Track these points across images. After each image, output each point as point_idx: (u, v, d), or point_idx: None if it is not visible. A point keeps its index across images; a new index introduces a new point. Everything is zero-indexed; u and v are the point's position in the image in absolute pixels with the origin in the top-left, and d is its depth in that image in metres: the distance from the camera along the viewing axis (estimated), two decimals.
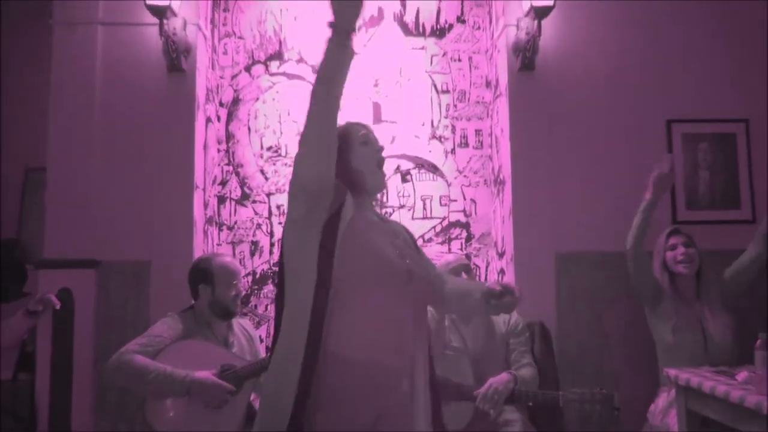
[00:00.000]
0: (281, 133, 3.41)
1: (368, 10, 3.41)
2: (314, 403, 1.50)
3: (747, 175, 3.15)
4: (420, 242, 3.31)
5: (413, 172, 3.42)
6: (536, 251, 3.01)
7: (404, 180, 3.42)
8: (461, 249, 3.39)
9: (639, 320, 2.75)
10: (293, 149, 3.31)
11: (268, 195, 3.38)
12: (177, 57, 2.99)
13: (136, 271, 2.96)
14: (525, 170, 3.06)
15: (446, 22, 3.51)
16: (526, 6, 3.02)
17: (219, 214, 3.36)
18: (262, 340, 2.92)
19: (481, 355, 2.55)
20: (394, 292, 1.61)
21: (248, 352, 2.54)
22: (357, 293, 1.56)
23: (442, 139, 3.45)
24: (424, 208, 3.41)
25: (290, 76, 3.44)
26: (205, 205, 3.24)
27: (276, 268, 3.03)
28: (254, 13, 3.47)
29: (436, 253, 3.26)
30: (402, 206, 3.40)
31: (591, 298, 3.01)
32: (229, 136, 3.42)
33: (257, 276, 3.33)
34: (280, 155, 3.40)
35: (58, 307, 2.64)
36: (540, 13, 2.97)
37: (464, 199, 3.42)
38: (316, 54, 3.39)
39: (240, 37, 3.46)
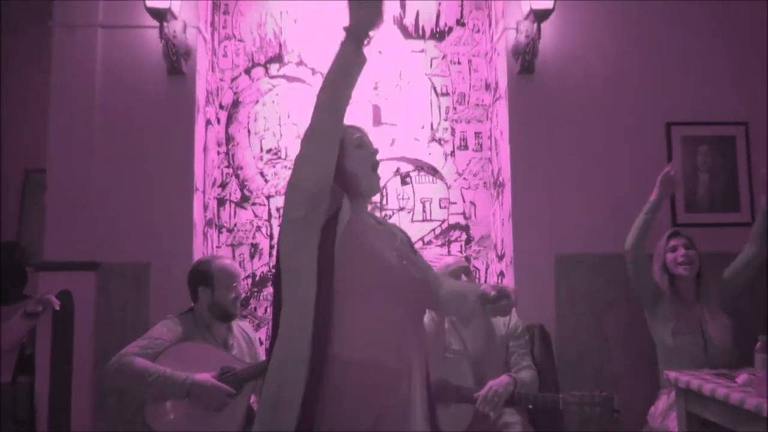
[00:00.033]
0: (281, 135, 3.42)
1: None
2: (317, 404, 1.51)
3: (746, 178, 3.15)
4: (420, 245, 3.32)
5: (413, 174, 3.43)
6: (536, 254, 3.01)
7: (404, 182, 3.42)
8: (461, 251, 3.39)
9: (639, 323, 2.75)
10: (293, 152, 3.32)
11: (268, 197, 3.39)
12: (177, 60, 3.00)
13: (135, 273, 2.96)
14: (524, 173, 3.07)
15: (446, 25, 3.52)
16: (525, 9, 3.02)
17: (219, 217, 3.36)
18: (261, 343, 2.92)
19: (481, 357, 2.55)
20: (392, 294, 1.61)
21: (248, 354, 2.54)
22: (356, 296, 1.57)
23: (442, 142, 3.45)
24: (424, 211, 3.41)
25: (290, 79, 3.45)
26: (205, 208, 3.24)
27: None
28: (254, 16, 3.47)
29: (436, 256, 3.26)
30: (402, 209, 3.40)
31: (591, 300, 3.01)
32: (229, 139, 3.42)
33: (257, 278, 3.33)
34: (279, 158, 3.41)
35: (57, 307, 2.64)
36: (539, 16, 2.98)
37: (464, 201, 3.42)
38: (316, 57, 3.42)
39: (240, 40, 3.47)
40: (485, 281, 3.36)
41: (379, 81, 3.44)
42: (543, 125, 3.10)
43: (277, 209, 3.37)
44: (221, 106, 3.43)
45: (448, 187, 3.43)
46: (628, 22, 3.19)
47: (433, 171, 3.43)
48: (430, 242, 3.39)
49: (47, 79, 3.05)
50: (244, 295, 3.15)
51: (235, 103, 3.44)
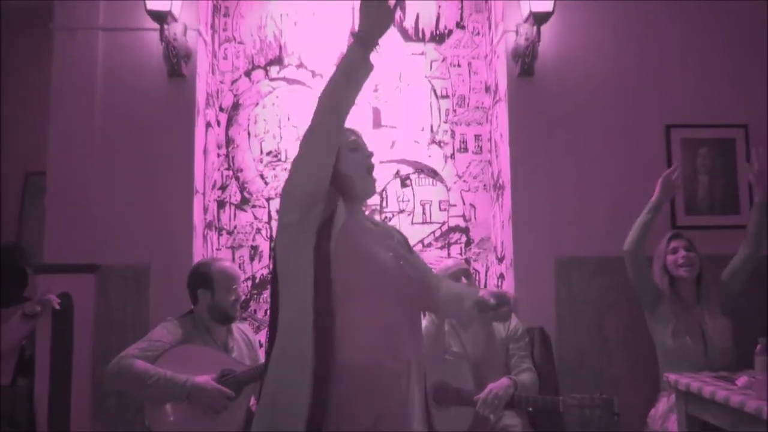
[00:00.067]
0: (281, 137, 3.42)
1: None
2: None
3: (746, 180, 3.14)
4: (419, 247, 3.32)
5: (413, 176, 3.43)
6: (536, 256, 3.01)
7: (404, 185, 3.42)
8: (461, 254, 3.38)
9: (639, 325, 2.75)
10: (293, 154, 3.28)
11: (268, 200, 3.39)
12: (177, 62, 3.00)
13: (135, 275, 2.96)
14: (524, 175, 3.07)
15: (446, 27, 3.52)
16: (525, 12, 3.02)
17: (219, 219, 3.37)
18: (261, 345, 2.91)
19: (481, 359, 2.55)
20: (390, 295, 1.61)
21: (248, 356, 2.54)
22: (353, 297, 1.57)
23: (442, 144, 3.45)
24: (424, 213, 3.41)
25: (290, 81, 3.45)
26: (205, 210, 3.24)
27: None
28: (254, 18, 3.48)
29: (436, 258, 3.26)
30: (401, 211, 3.40)
31: (590, 302, 3.01)
32: (229, 141, 3.42)
33: (257, 281, 3.33)
34: (279, 160, 3.41)
35: (57, 305, 2.63)
36: (539, 18, 2.98)
37: (464, 203, 3.42)
38: (316, 59, 3.42)
39: (240, 42, 3.47)
40: (485, 283, 3.36)
41: (379, 83, 3.44)
42: (543, 128, 3.10)
43: (277, 211, 3.36)
44: (221, 109, 3.43)
45: (448, 190, 3.43)
46: (627, 23, 3.19)
47: (433, 173, 3.44)
48: (429, 245, 3.39)
49: (47, 79, 3.05)
50: (243, 297, 3.14)
51: (235, 106, 3.44)
